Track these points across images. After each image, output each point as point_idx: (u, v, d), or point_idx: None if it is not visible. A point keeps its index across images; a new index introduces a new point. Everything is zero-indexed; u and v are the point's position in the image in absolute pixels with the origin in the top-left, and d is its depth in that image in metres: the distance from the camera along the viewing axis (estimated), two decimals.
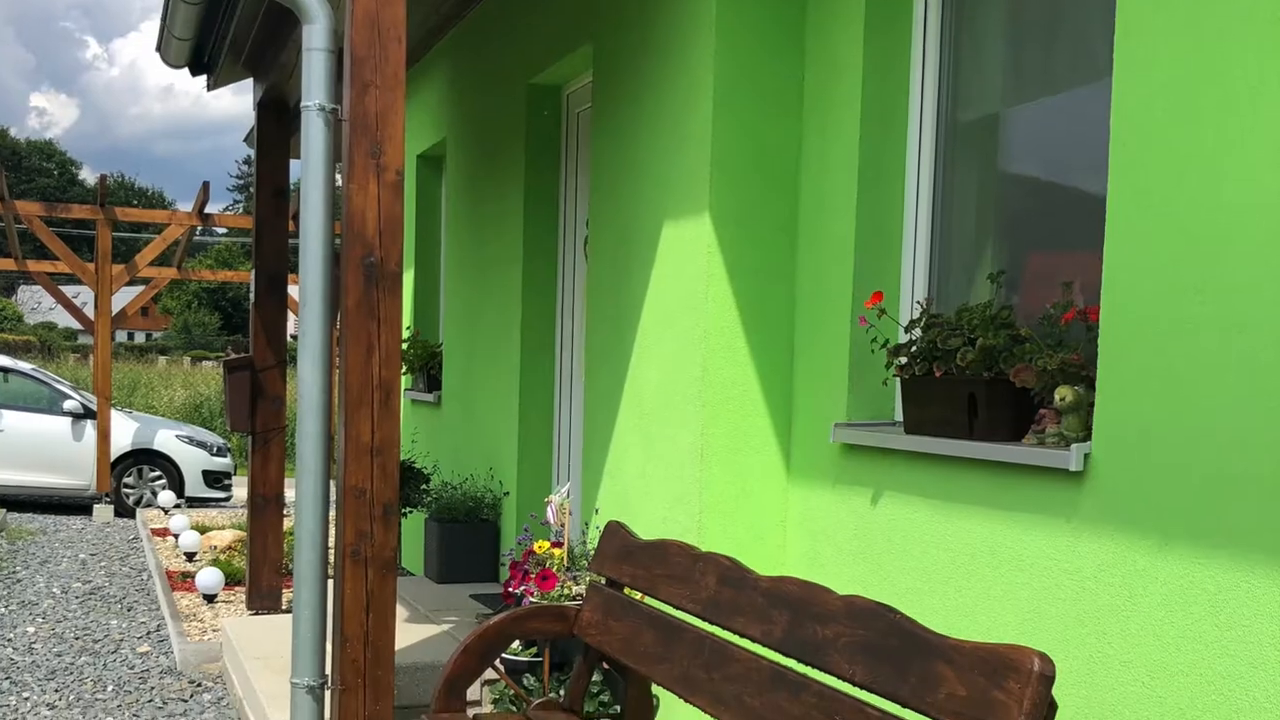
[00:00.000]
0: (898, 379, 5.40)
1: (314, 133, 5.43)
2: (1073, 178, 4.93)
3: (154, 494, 17.00)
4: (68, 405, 16.94)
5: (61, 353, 46.96)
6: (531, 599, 6.26)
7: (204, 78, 9.13)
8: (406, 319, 11.48)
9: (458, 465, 9.92)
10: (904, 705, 3.13)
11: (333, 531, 5.62)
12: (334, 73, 5.43)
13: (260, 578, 9.08)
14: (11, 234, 17.88)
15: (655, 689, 5.17)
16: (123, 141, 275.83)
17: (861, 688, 3.30)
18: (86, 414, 16.89)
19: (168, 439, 17.30)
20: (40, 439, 16.76)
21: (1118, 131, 4.17)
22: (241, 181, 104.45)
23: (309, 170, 5.51)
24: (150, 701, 7.45)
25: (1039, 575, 4.45)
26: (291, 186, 9.66)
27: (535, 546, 6.50)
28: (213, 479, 17.41)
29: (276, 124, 9.18)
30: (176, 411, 28.15)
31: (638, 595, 5.13)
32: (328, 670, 5.73)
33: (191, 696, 7.60)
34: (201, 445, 17.49)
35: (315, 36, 5.36)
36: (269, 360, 8.97)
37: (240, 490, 17.90)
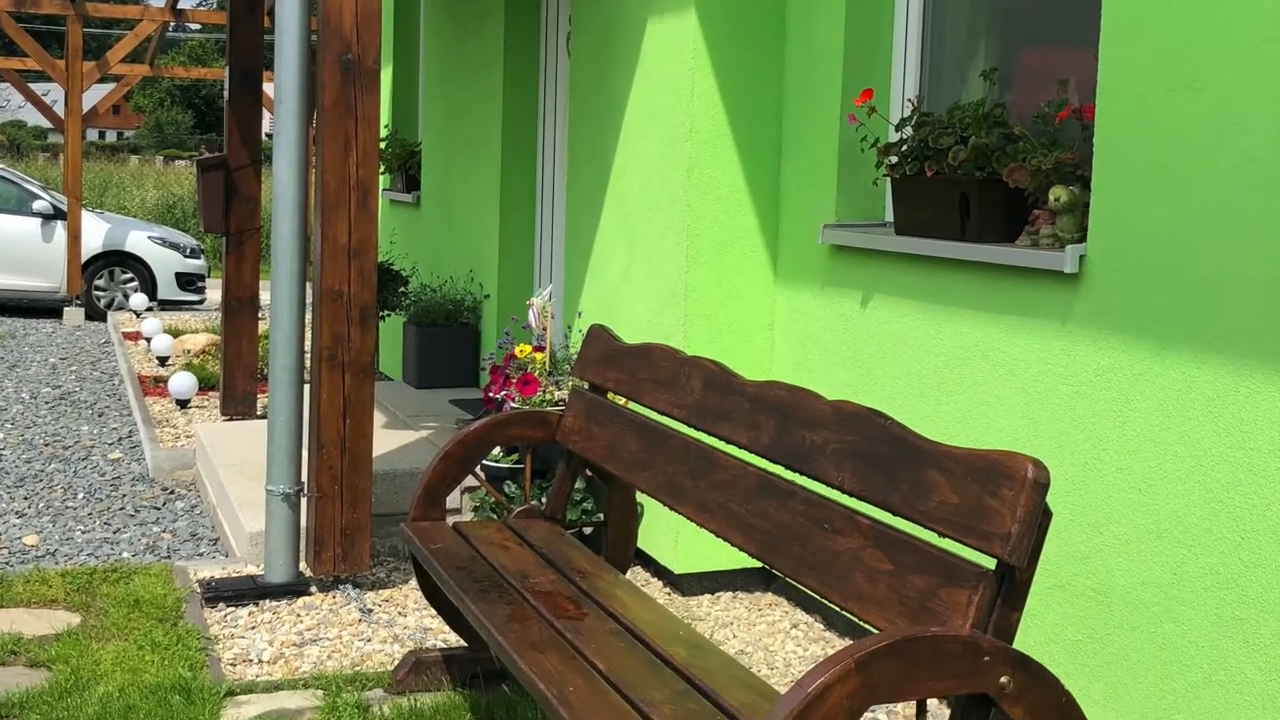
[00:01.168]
0: (888, 179, 5.29)
1: None
2: None
3: (126, 297, 16.87)
4: (37, 206, 16.71)
5: (31, 152, 46.43)
6: (513, 404, 6.21)
7: None
8: (384, 117, 11.27)
9: (437, 267, 9.81)
10: (895, 513, 3.07)
11: (309, 335, 5.53)
12: None
13: (234, 383, 9.01)
14: None
15: (639, 496, 5.13)
16: None
17: (851, 495, 3.23)
18: (56, 215, 16.67)
19: (140, 240, 17.13)
20: (9, 240, 16.55)
21: None
22: None
23: None
24: (122, 509, 7.41)
25: (1033, 380, 4.38)
26: None
27: (516, 350, 6.43)
28: (186, 281, 17.28)
29: None
30: (149, 212, 27.93)
31: (621, 401, 5.06)
32: (304, 477, 5.69)
33: (164, 504, 7.57)
34: (174, 247, 17.32)
35: None
36: (243, 159, 8.82)
37: (214, 293, 17.78)
